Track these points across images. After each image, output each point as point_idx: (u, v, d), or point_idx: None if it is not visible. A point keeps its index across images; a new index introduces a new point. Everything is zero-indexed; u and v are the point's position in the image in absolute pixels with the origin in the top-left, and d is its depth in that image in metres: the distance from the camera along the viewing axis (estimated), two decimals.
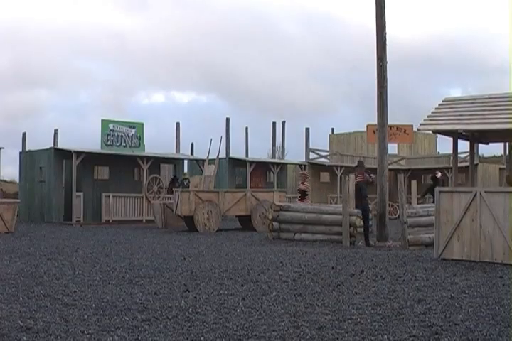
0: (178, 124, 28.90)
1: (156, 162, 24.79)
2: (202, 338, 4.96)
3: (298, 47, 68.45)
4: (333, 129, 38.63)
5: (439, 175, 20.46)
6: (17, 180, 27.64)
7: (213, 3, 67.30)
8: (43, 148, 24.16)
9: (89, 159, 22.80)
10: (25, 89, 67.48)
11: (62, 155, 23.16)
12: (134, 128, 24.89)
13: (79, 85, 69.25)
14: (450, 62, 70.59)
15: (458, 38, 71.74)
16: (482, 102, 10.89)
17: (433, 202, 11.56)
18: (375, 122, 14.83)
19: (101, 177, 23.84)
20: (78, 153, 22.19)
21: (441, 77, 74.97)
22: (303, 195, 17.57)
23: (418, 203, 17.47)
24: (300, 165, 29.57)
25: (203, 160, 23.03)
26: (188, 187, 23.48)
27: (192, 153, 30.33)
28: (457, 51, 70.74)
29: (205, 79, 69.91)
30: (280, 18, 71.24)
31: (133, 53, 68.10)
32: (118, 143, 24.17)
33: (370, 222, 14.73)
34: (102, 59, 71.11)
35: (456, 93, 73.83)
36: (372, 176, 14.74)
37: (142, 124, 25.33)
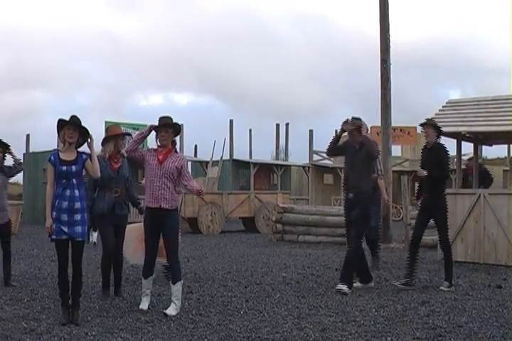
0: (181, 126, 28.92)
1: None
2: (205, 340, 4.97)
3: (296, 49, 68.43)
4: (336, 131, 38.62)
5: None
6: (21, 181, 27.64)
7: (212, 5, 67.43)
8: (47, 149, 24.15)
9: None
10: (22, 91, 67.63)
11: None
12: (137, 130, 24.91)
13: (76, 87, 69.41)
14: (449, 64, 70.80)
15: (457, 40, 71.97)
16: (486, 104, 10.88)
17: None
18: (379, 124, 14.81)
19: None
20: None
21: (440, 79, 75.07)
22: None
23: None
24: (304, 167, 29.53)
25: (207, 162, 23.02)
26: None
27: (195, 155, 30.32)
28: (456, 53, 70.94)
29: (203, 81, 69.92)
30: (279, 21, 71.43)
31: (129, 55, 68.14)
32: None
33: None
34: (99, 61, 71.18)
35: (455, 94, 74.02)
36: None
37: (146, 126, 25.36)
